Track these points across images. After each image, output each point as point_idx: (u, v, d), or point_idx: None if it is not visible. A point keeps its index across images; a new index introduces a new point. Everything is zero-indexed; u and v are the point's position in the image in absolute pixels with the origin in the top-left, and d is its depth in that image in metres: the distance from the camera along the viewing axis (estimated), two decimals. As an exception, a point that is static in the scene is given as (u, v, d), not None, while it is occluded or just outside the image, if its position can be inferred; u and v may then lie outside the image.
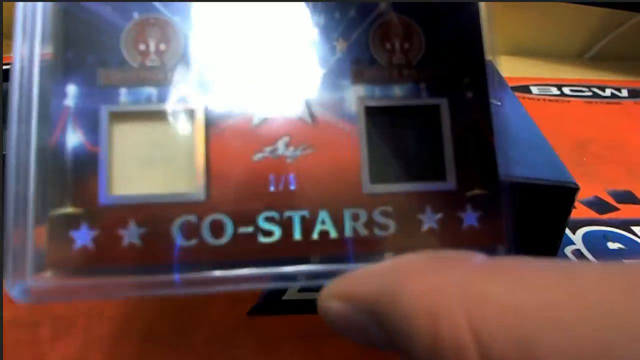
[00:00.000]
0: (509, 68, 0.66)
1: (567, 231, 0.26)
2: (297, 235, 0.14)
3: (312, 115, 0.14)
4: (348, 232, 0.14)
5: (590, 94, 0.51)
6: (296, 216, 0.14)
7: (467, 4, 0.15)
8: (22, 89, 0.13)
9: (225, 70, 0.14)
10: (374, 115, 0.14)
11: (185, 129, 0.14)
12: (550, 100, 0.49)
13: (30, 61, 0.13)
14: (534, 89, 0.52)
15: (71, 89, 0.13)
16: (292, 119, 0.14)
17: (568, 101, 0.49)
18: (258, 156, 0.14)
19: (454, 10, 0.15)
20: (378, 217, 0.14)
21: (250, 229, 0.13)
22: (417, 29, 0.15)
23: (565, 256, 0.24)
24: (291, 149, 0.14)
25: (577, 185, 0.22)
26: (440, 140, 0.14)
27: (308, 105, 0.14)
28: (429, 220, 0.14)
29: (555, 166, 0.23)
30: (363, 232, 0.14)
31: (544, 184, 0.22)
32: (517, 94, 0.50)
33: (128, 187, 0.13)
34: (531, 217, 0.22)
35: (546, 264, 0.10)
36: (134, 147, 0.14)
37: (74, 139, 0.13)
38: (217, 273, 0.13)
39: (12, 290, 0.12)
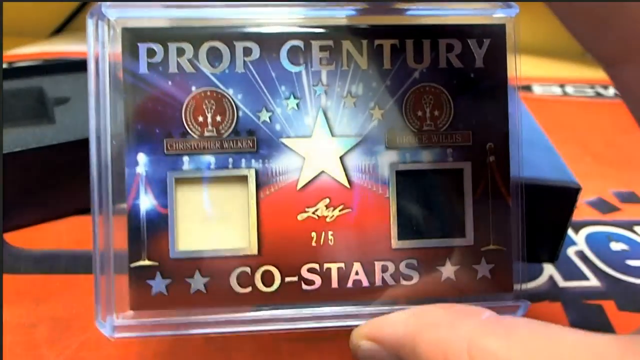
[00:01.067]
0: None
1: (570, 232, 0.27)
2: (335, 284, 0.16)
3: (349, 180, 0.16)
4: (378, 282, 0.16)
5: (593, 93, 0.50)
6: (334, 267, 0.16)
7: (495, 70, 0.16)
8: (99, 159, 0.15)
9: (272, 139, 0.16)
10: (404, 178, 0.16)
11: (239, 192, 0.16)
12: (552, 100, 0.48)
13: (105, 133, 0.15)
14: (537, 88, 0.51)
15: (142, 158, 0.15)
16: (332, 184, 0.16)
17: (571, 100, 0.48)
18: (302, 216, 0.16)
19: (482, 77, 0.16)
20: (404, 269, 0.16)
21: (295, 279, 0.16)
22: (446, 97, 0.16)
23: (568, 258, 0.25)
24: (330, 209, 0.16)
25: (579, 185, 0.22)
26: (462, 200, 0.16)
27: (346, 171, 0.16)
28: (448, 272, 0.16)
29: (557, 166, 0.24)
30: (391, 281, 0.16)
31: (546, 184, 0.22)
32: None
33: (192, 242, 0.16)
34: (534, 218, 0.22)
35: (538, 328, 0.13)
36: (195, 207, 0.16)
37: (146, 202, 0.15)
38: (267, 314, 0.16)
39: (103, 327, 0.15)
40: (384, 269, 0.16)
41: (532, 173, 0.22)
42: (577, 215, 0.28)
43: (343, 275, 0.16)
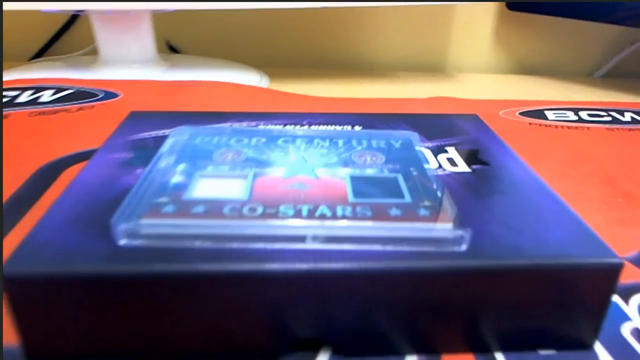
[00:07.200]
0: (519, 88, 0.61)
1: (620, 302, 0.21)
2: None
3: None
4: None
5: (609, 118, 0.46)
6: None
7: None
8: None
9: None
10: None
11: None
12: (568, 127, 0.43)
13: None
14: (550, 114, 0.46)
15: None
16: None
17: (588, 128, 0.43)
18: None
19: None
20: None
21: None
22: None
23: (622, 336, 0.19)
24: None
25: (621, 260, 0.17)
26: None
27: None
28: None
29: (585, 234, 0.19)
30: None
31: (579, 262, 0.17)
32: (531, 119, 0.45)
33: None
34: (567, 304, 0.18)
35: None
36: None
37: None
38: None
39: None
40: None
41: (558, 250, 0.17)
42: (623, 279, 0.23)
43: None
